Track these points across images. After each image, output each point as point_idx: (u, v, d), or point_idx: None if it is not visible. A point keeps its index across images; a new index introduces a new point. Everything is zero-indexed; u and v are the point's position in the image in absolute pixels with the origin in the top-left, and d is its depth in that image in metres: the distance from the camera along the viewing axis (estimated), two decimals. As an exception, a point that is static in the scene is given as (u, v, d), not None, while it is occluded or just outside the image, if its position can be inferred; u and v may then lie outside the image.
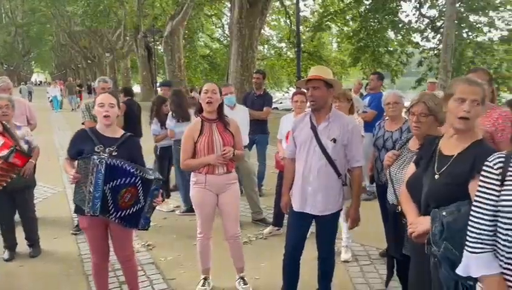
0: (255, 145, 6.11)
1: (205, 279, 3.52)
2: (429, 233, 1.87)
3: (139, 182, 2.75)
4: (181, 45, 23.07)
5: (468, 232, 1.64)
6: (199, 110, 3.40)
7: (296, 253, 3.11)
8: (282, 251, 3.16)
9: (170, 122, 5.48)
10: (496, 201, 1.57)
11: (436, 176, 1.95)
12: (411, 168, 2.23)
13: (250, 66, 14.15)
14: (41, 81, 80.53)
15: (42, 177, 4.87)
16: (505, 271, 1.55)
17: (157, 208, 5.71)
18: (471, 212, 1.65)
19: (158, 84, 6.82)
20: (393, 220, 2.70)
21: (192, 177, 3.39)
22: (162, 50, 25.31)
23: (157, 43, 25.72)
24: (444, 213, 1.81)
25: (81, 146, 2.86)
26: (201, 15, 27.55)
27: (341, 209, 3.12)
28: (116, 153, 2.81)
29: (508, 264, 1.54)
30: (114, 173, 2.72)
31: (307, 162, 2.98)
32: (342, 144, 2.92)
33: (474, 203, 1.65)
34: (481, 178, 1.63)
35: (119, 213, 2.77)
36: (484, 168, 1.63)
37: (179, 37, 22.48)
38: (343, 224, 3.97)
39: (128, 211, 2.78)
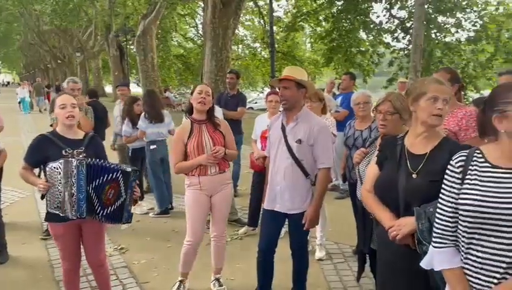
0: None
1: (181, 281, 3.48)
2: (416, 232, 1.87)
3: (120, 176, 2.74)
4: (154, 45, 22.77)
5: (433, 228, 1.70)
6: (189, 112, 3.43)
7: (269, 251, 3.13)
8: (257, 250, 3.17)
9: (142, 123, 5.41)
10: (456, 199, 1.62)
11: (414, 176, 1.97)
12: (372, 170, 2.20)
13: (225, 66, 14.09)
14: (8, 82, 78.39)
15: (10, 181, 4.71)
16: (464, 265, 1.60)
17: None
18: (437, 209, 1.70)
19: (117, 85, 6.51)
20: (362, 216, 2.75)
21: (186, 180, 3.37)
22: (134, 50, 24.93)
23: (130, 42, 25.31)
24: (430, 209, 1.83)
25: (45, 152, 2.76)
26: (174, 14, 27.27)
27: None
28: (84, 154, 2.76)
29: (466, 259, 1.60)
30: (95, 172, 2.71)
31: (275, 161, 3.04)
32: (308, 145, 2.95)
33: (439, 200, 1.70)
34: (445, 176, 1.68)
35: (104, 211, 2.75)
36: (448, 166, 1.68)
37: (151, 37, 22.18)
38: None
39: (113, 207, 2.76)
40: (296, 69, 3.15)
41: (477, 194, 1.56)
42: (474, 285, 1.57)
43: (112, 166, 2.74)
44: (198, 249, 3.41)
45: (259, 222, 3.50)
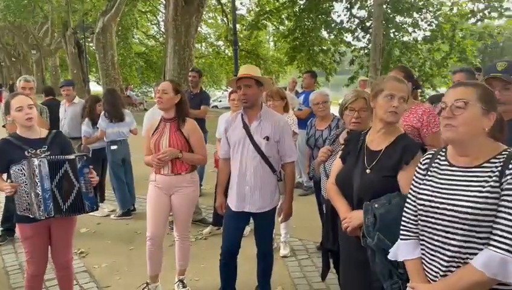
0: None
1: (147, 284, 3.40)
2: (363, 226, 1.95)
3: (68, 165, 2.69)
4: (114, 42, 22.18)
5: (401, 221, 1.76)
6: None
7: (232, 253, 3.12)
8: (221, 250, 3.16)
9: (102, 122, 5.26)
10: (418, 193, 1.68)
11: (368, 171, 2.04)
12: (337, 164, 2.28)
13: (188, 64, 13.94)
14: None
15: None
16: (422, 256, 1.67)
17: (90, 213, 5.50)
18: (405, 204, 1.76)
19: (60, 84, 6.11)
20: (330, 214, 2.77)
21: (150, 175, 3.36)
22: (93, 47, 24.19)
23: (88, 40, 24.55)
24: (376, 205, 1.91)
25: (9, 156, 2.70)
26: (135, 11, 26.69)
27: (277, 205, 3.17)
28: (48, 153, 2.72)
29: (423, 250, 1.66)
30: (57, 168, 2.66)
31: (242, 161, 3.01)
32: (274, 141, 2.98)
33: (407, 195, 1.77)
34: (415, 173, 1.76)
35: (66, 205, 2.69)
36: (418, 164, 1.76)
37: (111, 34, 21.59)
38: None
39: (70, 199, 2.70)
40: (252, 67, 3.16)
41: (430, 189, 1.62)
42: (428, 275, 1.64)
43: (61, 159, 2.70)
44: (161, 249, 3.35)
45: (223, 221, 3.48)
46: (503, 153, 1.53)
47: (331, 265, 3.21)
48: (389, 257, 1.77)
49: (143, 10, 28.40)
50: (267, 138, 2.95)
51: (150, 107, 5.85)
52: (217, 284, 3.30)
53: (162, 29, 26.85)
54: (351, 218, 2.04)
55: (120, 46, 26.18)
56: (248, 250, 3.26)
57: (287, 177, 3.09)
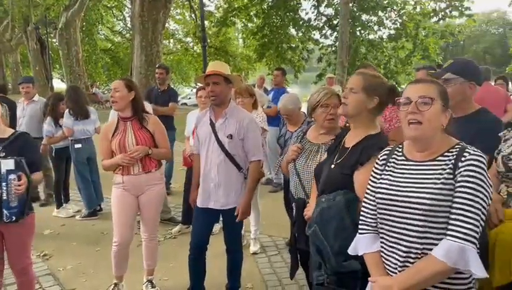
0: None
1: (115, 284, 3.34)
2: (311, 217, 2.06)
3: None
4: (78, 38, 21.59)
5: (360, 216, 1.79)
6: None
7: (201, 249, 3.10)
8: (191, 248, 3.13)
9: (67, 120, 5.10)
10: (376, 188, 1.72)
11: (332, 166, 2.08)
12: (323, 157, 2.39)
13: (155, 60, 13.70)
14: None
15: None
16: (381, 249, 1.70)
17: (54, 214, 5.34)
18: (363, 199, 1.79)
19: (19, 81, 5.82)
20: (301, 212, 2.78)
21: (113, 178, 3.24)
22: (56, 43, 23.44)
23: (51, 35, 23.74)
24: (323, 199, 1.98)
25: None
26: (100, 6, 26.04)
27: None
28: (3, 154, 2.57)
29: (382, 243, 1.70)
30: None
31: (207, 158, 3.01)
32: (239, 139, 2.97)
33: (365, 190, 1.79)
34: (373, 168, 1.79)
35: None
36: (376, 160, 1.79)
37: (75, 30, 21.01)
38: (251, 217, 4.03)
39: None
40: (221, 64, 3.12)
41: (387, 183, 1.66)
42: (387, 268, 1.67)
43: None
44: (128, 249, 3.29)
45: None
46: (456, 146, 1.58)
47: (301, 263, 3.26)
48: (349, 251, 1.79)
49: (108, 5, 27.74)
50: (231, 136, 2.94)
51: (116, 104, 5.66)
52: (187, 283, 3.26)
53: (129, 25, 26.35)
54: (310, 208, 2.19)
55: (85, 42, 25.49)
56: (217, 248, 3.24)
57: (249, 176, 3.05)
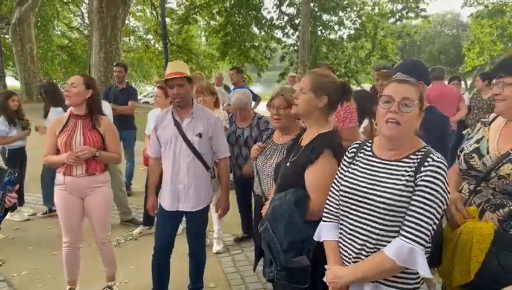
0: (121, 142, 5.81)
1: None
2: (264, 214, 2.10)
3: None
4: (33, 34, 20.68)
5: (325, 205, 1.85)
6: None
7: (166, 252, 3.06)
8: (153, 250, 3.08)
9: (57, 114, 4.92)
10: (341, 180, 1.77)
11: (288, 164, 2.11)
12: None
13: (115, 58, 13.36)
14: None
15: None
16: (340, 239, 1.77)
17: (7, 217, 5.10)
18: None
19: None
20: (259, 210, 2.81)
21: (56, 177, 3.11)
22: (9, 39, 22.35)
23: (4, 31, 22.60)
24: (276, 197, 2.02)
25: None
26: (55, 1, 25.05)
27: (211, 202, 3.16)
28: None
29: (341, 233, 1.77)
30: None
31: (175, 159, 2.94)
32: (207, 138, 2.96)
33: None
34: (342, 160, 1.84)
35: None
36: (346, 152, 1.84)
37: (29, 25, 20.11)
38: (213, 216, 4.02)
39: None
40: (181, 64, 3.06)
41: (352, 177, 1.72)
42: (343, 258, 1.75)
43: None
44: (78, 251, 3.20)
45: (155, 221, 3.39)
46: (422, 150, 1.64)
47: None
48: (314, 237, 1.86)
49: (64, 0, 26.74)
50: (200, 135, 2.92)
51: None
52: (148, 285, 3.21)
53: (87, 21, 25.47)
54: (266, 205, 2.23)
55: (40, 38, 24.43)
56: (180, 249, 3.21)
57: (221, 173, 3.09)
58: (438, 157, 1.59)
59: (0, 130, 4.99)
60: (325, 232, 1.81)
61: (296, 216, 1.89)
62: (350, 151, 1.82)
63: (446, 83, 6.84)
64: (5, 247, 4.24)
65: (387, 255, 1.55)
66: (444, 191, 1.54)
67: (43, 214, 5.18)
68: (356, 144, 1.83)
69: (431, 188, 1.53)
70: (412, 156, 1.62)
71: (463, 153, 1.93)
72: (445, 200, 1.55)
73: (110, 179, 3.22)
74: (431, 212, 1.52)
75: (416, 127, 1.65)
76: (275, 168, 2.36)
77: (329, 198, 1.83)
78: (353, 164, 1.76)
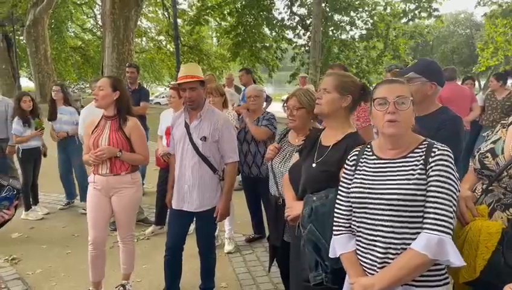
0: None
1: None
2: (300, 216, 2.02)
3: None
4: (47, 36, 20.98)
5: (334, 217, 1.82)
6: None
7: (176, 251, 3.08)
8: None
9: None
10: (349, 189, 1.75)
11: (314, 165, 2.10)
12: (295, 157, 2.40)
13: (127, 59, 13.48)
14: None
15: None
16: (357, 249, 1.73)
17: (22, 217, 5.20)
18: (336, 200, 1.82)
19: None
20: (275, 211, 2.81)
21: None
22: (24, 41, 22.69)
23: (18, 33, 22.97)
24: (314, 198, 1.98)
25: None
26: (69, 3, 25.37)
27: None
28: None
29: (358, 242, 1.73)
30: None
31: (182, 159, 2.98)
32: (213, 141, 2.96)
33: (338, 191, 1.83)
34: (343, 170, 1.83)
35: None
36: (346, 162, 1.82)
37: (43, 27, 20.40)
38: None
39: None
40: (194, 66, 3.07)
41: (362, 183, 1.70)
42: (364, 267, 1.69)
43: None
44: (104, 251, 3.22)
45: (167, 220, 3.42)
46: (424, 143, 1.65)
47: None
48: (330, 254, 1.82)
49: (78, 2, 27.07)
50: (204, 139, 2.93)
51: (87, 103, 5.64)
52: (160, 284, 3.24)
53: (100, 23, 25.74)
54: (292, 208, 2.15)
55: (54, 39, 24.78)
56: (191, 248, 3.22)
57: (226, 177, 3.05)
58: (442, 146, 1.60)
59: (15, 129, 5.08)
60: (339, 246, 1.76)
61: None
62: (351, 159, 1.80)
63: (459, 83, 6.77)
64: (20, 245, 4.31)
65: (418, 250, 1.51)
66: (455, 177, 1.56)
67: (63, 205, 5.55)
68: (355, 151, 1.82)
69: (444, 176, 1.54)
70: (416, 150, 1.63)
71: (478, 153, 1.93)
72: (458, 185, 1.57)
73: (138, 181, 3.24)
74: (449, 200, 1.53)
75: (413, 122, 1.65)
76: (291, 170, 2.33)
77: (337, 210, 1.79)
78: (358, 170, 1.74)
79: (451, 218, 1.52)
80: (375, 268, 1.64)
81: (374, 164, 1.70)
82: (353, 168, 1.77)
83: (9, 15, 22.18)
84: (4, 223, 2.44)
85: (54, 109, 5.34)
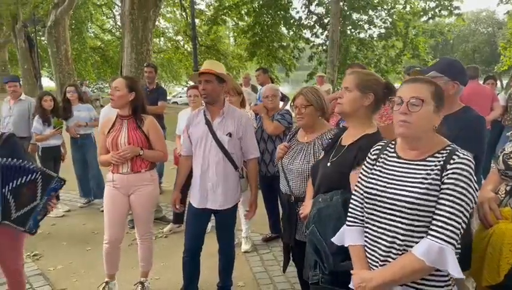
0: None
1: (107, 283, 3.33)
2: (308, 216, 2.06)
3: (40, 177, 2.55)
4: (67, 36, 21.30)
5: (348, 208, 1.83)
6: None
7: (195, 250, 3.10)
8: (183, 248, 3.12)
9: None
10: (365, 182, 1.74)
11: (328, 164, 2.09)
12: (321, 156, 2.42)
13: (146, 59, 13.60)
14: None
15: None
16: (365, 243, 1.73)
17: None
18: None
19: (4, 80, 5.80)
20: (288, 209, 2.81)
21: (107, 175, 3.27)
22: (45, 41, 23.15)
23: (40, 33, 23.46)
24: (320, 199, 1.99)
25: None
26: (89, 4, 25.79)
27: (239, 202, 3.18)
28: None
29: (366, 237, 1.73)
30: (11, 173, 2.47)
31: (204, 157, 2.99)
32: (237, 138, 2.98)
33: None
34: (364, 162, 1.81)
35: (17, 213, 2.52)
36: (368, 154, 1.81)
37: (64, 28, 20.72)
38: (242, 216, 4.04)
39: (25, 209, 2.53)
40: (216, 63, 3.12)
41: (376, 179, 1.69)
42: (369, 262, 1.71)
43: (32, 167, 2.56)
44: (119, 248, 3.28)
45: (185, 218, 3.44)
46: (447, 148, 1.60)
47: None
48: (334, 241, 1.82)
49: (98, 3, 27.50)
50: (230, 135, 2.95)
51: (106, 103, 5.73)
52: (178, 283, 3.27)
53: (119, 23, 26.10)
54: (305, 206, 2.21)
55: (74, 40, 25.21)
56: (209, 247, 3.25)
57: (250, 174, 3.10)
58: (463, 155, 1.55)
59: (35, 128, 5.21)
60: (349, 237, 1.77)
61: (344, 219, 1.85)
62: (373, 152, 1.78)
63: (481, 82, 6.64)
64: (41, 242, 4.40)
65: (416, 255, 1.51)
66: (472, 188, 1.50)
67: (84, 203, 5.67)
68: (379, 145, 1.79)
69: (459, 186, 1.49)
70: (436, 155, 1.59)
71: (502, 153, 1.88)
72: (474, 198, 1.51)
73: (156, 178, 3.30)
74: (459, 211, 1.48)
75: (433, 124, 1.60)
76: (312, 168, 2.34)
77: (353, 201, 1.79)
78: (376, 165, 1.73)
79: (458, 229, 1.48)
80: (377, 264, 1.65)
81: (392, 162, 1.68)
82: (373, 162, 1.76)
83: (32, 16, 22.71)
84: (46, 214, 2.58)
85: (69, 108, 5.46)
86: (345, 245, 1.79)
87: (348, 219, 1.80)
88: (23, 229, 2.58)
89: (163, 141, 3.30)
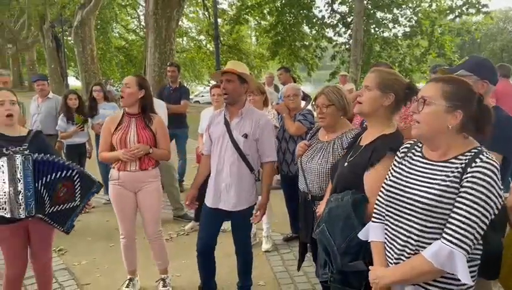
0: (174, 140, 5.99)
1: (130, 280, 3.40)
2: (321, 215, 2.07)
3: (77, 176, 2.63)
4: (93, 36, 21.73)
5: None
6: None
7: (207, 249, 3.11)
8: (200, 247, 3.15)
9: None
10: (388, 179, 1.74)
11: (346, 164, 2.07)
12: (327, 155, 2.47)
13: (169, 58, 13.73)
14: None
15: None
16: (385, 240, 1.73)
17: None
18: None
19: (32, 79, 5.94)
20: (304, 207, 2.80)
21: (110, 173, 3.27)
22: (72, 41, 23.69)
23: (66, 33, 24.01)
24: (332, 199, 1.99)
25: None
26: (114, 5, 26.23)
27: (255, 204, 3.13)
28: (28, 151, 2.59)
29: (386, 234, 1.72)
30: (44, 168, 2.56)
31: (220, 157, 2.99)
32: (253, 139, 2.96)
33: (377, 186, 1.81)
34: (393, 160, 1.79)
35: (52, 209, 2.61)
36: (397, 152, 1.79)
37: (90, 28, 21.15)
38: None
39: (61, 207, 2.63)
40: (239, 63, 3.12)
41: (397, 177, 1.67)
42: (387, 257, 1.72)
43: (66, 163, 2.64)
44: (134, 243, 3.34)
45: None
46: (472, 150, 1.54)
47: (311, 257, 3.25)
48: (360, 236, 1.82)
49: (122, 4, 27.93)
50: (246, 136, 2.93)
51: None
52: (198, 280, 3.29)
53: (143, 23, 26.47)
54: (322, 204, 2.24)
55: (99, 40, 25.70)
56: (228, 246, 3.25)
57: (264, 177, 3.03)
58: (487, 158, 1.49)
59: (59, 125, 5.37)
60: (372, 233, 1.78)
61: (353, 219, 1.84)
62: (401, 151, 1.77)
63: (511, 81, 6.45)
64: (66, 238, 4.40)
65: (425, 257, 1.50)
66: (494, 194, 1.45)
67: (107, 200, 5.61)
68: (408, 143, 1.77)
69: (478, 191, 1.45)
70: (460, 157, 1.54)
71: None
72: (495, 203, 1.45)
73: (159, 175, 3.35)
74: (475, 215, 1.44)
75: (446, 125, 1.53)
76: (332, 168, 2.32)
77: (379, 198, 1.78)
78: (402, 163, 1.71)
79: (472, 234, 1.44)
80: (391, 261, 1.66)
81: (417, 161, 1.66)
82: (400, 160, 1.74)
83: (59, 16, 23.28)
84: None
85: (95, 106, 5.57)
86: (369, 240, 1.80)
87: (374, 215, 1.81)
88: (62, 229, 2.69)
89: (168, 139, 3.35)
